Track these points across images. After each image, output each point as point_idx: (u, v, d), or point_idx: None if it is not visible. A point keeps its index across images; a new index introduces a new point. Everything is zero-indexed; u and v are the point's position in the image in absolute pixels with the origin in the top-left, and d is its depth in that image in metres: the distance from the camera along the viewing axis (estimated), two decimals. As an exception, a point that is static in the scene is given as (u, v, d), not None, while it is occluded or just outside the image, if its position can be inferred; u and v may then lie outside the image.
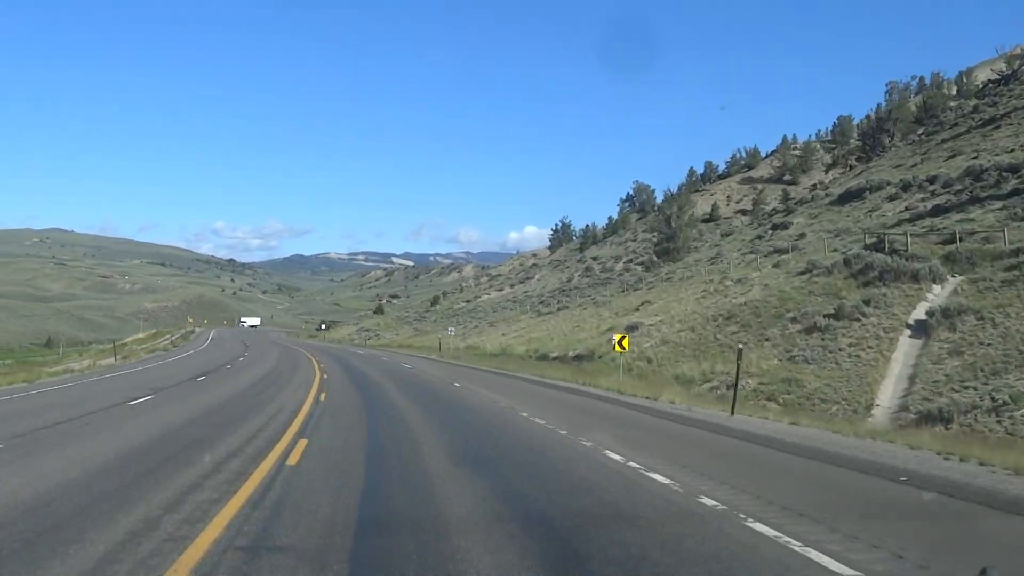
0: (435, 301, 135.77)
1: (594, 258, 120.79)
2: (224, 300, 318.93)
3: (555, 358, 37.19)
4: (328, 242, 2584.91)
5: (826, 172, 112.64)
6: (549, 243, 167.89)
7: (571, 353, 36.58)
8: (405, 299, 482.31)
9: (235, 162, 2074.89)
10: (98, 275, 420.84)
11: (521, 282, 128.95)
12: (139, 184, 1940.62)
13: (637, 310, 42.96)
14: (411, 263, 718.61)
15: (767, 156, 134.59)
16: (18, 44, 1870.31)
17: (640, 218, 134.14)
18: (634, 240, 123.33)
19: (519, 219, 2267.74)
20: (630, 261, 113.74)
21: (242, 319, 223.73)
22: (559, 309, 63.09)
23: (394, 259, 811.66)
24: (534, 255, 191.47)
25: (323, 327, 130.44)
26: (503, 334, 54.84)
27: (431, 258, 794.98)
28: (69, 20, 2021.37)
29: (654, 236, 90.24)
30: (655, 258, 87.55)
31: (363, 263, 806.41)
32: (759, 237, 64.13)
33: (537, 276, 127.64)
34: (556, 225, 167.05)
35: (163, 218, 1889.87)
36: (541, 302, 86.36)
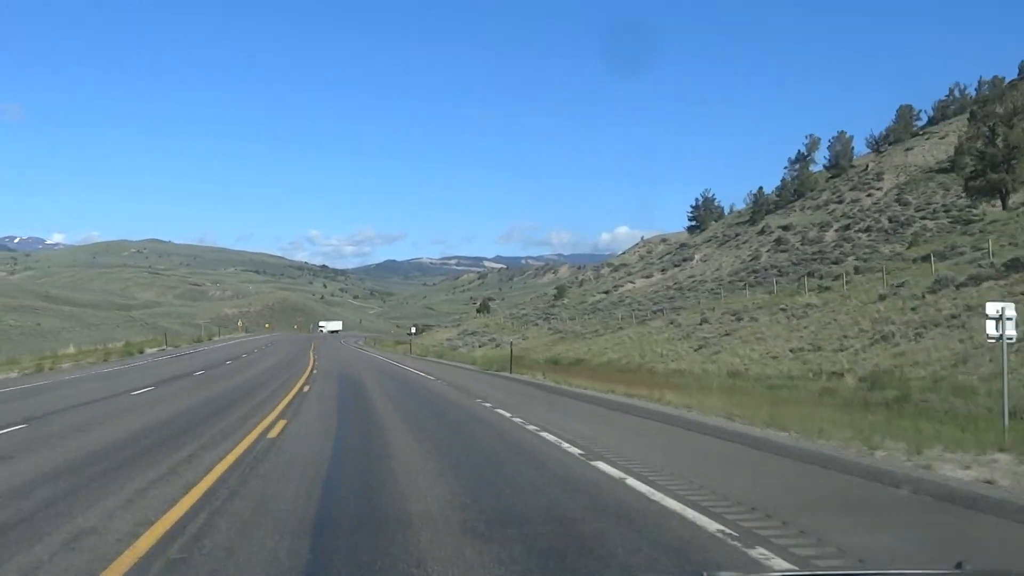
0: (560, 294, 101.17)
1: (784, 228, 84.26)
2: (310, 304, 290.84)
3: None
4: (420, 247, 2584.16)
5: None
6: (690, 221, 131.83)
7: None
8: (500, 301, 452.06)
9: (329, 171, 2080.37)
10: (190, 283, 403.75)
11: (675, 266, 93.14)
12: (236, 196, 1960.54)
13: None
14: (503, 266, 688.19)
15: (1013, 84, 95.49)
16: (116, 68, 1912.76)
17: (834, 176, 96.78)
18: (839, 202, 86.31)
19: (610, 220, 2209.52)
20: (846, 228, 77.27)
21: (320, 324, 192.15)
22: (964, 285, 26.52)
23: (485, 262, 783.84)
24: (663, 240, 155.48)
25: (413, 331, 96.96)
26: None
27: (522, 261, 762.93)
28: (161, 40, 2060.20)
29: (966, 168, 53.33)
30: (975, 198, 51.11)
31: (455, 267, 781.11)
32: None
33: (697, 257, 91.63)
34: (696, 200, 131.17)
35: (259, 228, 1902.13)
36: (775, 278, 50.89)
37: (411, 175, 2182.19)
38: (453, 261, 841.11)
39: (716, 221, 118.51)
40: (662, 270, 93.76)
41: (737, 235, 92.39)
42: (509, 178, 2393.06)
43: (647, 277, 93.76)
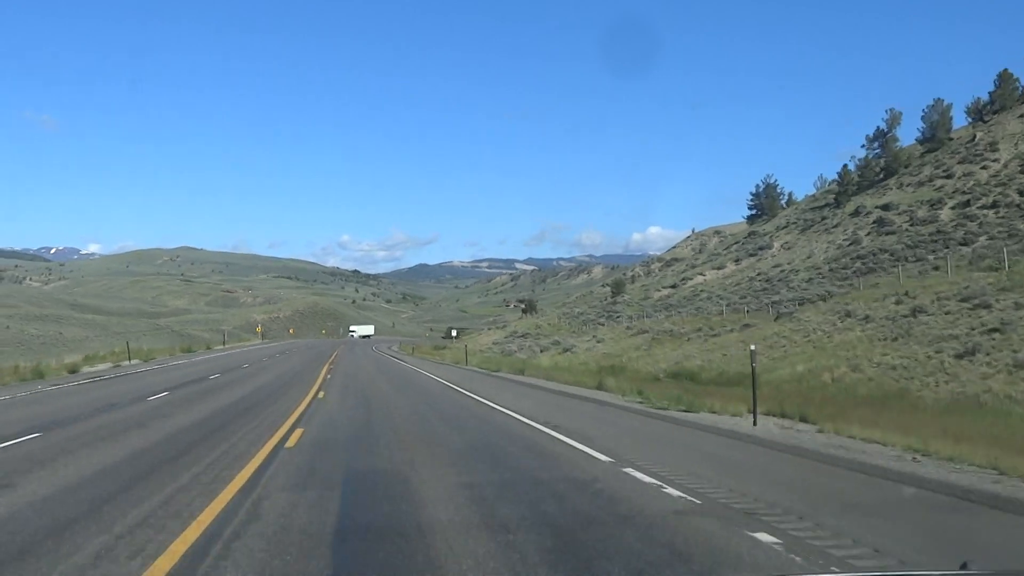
0: (618, 289, 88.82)
1: (882, 208, 71.81)
2: (342, 309, 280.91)
3: None
4: (451, 251, 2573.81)
5: None
6: (750, 210, 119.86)
7: None
8: (539, 301, 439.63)
9: (360, 177, 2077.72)
10: (222, 290, 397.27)
11: (751, 255, 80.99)
12: (269, 203, 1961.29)
13: None
14: (534, 268, 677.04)
15: None
16: (149, 79, 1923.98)
17: (930, 150, 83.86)
18: (947, 177, 73.54)
19: (642, 220, 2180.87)
20: (965, 204, 64.93)
21: (350, 328, 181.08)
22: None
23: (517, 265, 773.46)
24: (717, 232, 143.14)
25: (454, 334, 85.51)
26: None
27: (554, 262, 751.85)
28: (193, 51, 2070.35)
29: None
30: None
31: (486, 270, 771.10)
32: None
33: (777, 245, 79.36)
34: (757, 186, 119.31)
35: (291, 235, 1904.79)
36: (888, 263, 38.90)
37: (441, 178, 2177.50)
38: (484, 264, 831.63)
39: (785, 207, 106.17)
40: (735, 260, 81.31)
41: (824, 219, 79.76)
42: (540, 180, 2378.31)
43: (718, 269, 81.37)
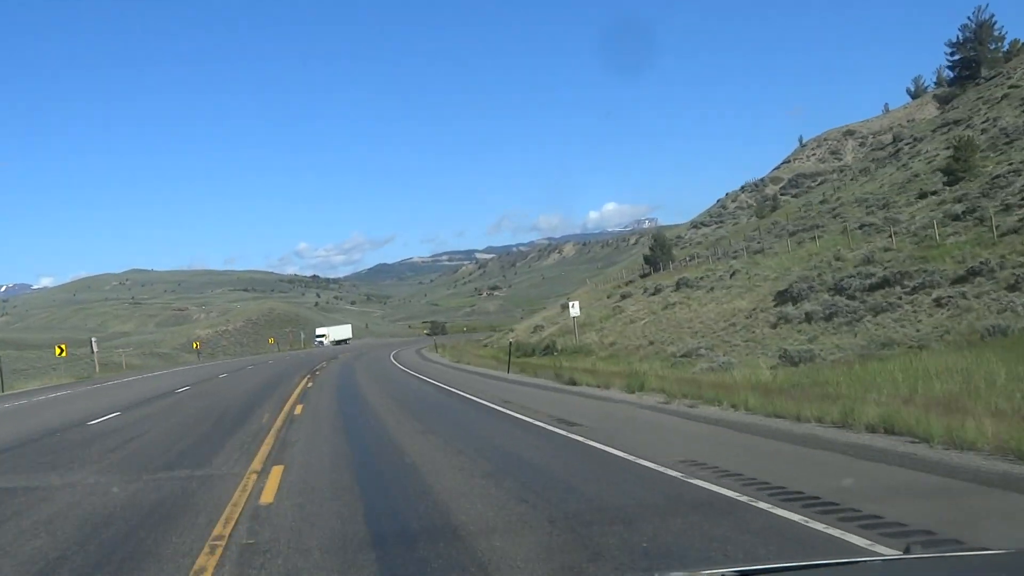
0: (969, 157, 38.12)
1: None
2: (304, 313, 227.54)
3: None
4: (410, 248, 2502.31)
5: None
6: (951, 70, 72.37)
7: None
8: (508, 288, 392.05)
9: (312, 182, 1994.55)
10: (173, 309, 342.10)
11: None
12: (222, 218, 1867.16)
13: None
14: (494, 256, 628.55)
15: None
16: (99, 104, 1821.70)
17: None
18: None
19: (596, 198, 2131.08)
20: None
21: (317, 333, 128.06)
22: None
23: (477, 255, 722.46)
24: (849, 132, 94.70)
25: (576, 311, 34.69)
26: None
27: (514, 248, 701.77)
28: (134, 65, 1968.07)
29: None
30: None
31: (447, 263, 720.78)
32: None
33: None
34: (965, 27, 71.28)
35: (247, 249, 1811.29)
36: None
37: (395, 177, 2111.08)
38: (445, 257, 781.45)
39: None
40: None
41: None
42: (493, 169, 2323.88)
43: None
